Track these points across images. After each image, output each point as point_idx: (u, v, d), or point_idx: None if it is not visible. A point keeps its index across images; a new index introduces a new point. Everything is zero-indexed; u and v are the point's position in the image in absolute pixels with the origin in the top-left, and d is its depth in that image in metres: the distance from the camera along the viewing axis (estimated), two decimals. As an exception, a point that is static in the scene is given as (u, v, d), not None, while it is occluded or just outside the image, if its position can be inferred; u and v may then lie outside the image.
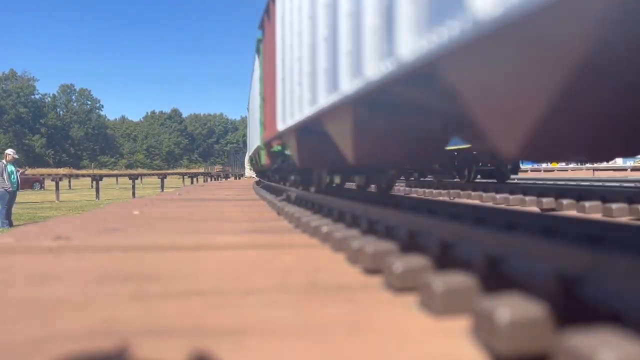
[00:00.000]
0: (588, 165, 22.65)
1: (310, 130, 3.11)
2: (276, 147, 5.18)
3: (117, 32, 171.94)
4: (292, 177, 5.32)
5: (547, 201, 4.67)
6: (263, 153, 6.28)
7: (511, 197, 5.23)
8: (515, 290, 1.01)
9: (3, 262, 1.78)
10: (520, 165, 9.50)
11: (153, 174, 34.76)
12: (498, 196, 5.53)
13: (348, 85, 1.83)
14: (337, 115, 2.12)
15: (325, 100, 2.22)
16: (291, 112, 3.25)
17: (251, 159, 12.44)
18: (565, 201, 4.47)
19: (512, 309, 0.82)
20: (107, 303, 1.21)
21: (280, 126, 3.73)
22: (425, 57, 1.13)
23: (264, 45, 5.42)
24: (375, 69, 1.52)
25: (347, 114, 1.97)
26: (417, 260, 1.30)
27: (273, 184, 7.21)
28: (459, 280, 1.08)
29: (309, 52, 2.62)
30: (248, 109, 14.28)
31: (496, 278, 1.13)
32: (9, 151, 11.45)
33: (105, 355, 0.88)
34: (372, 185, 5.33)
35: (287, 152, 4.60)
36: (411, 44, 1.22)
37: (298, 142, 3.36)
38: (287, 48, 3.35)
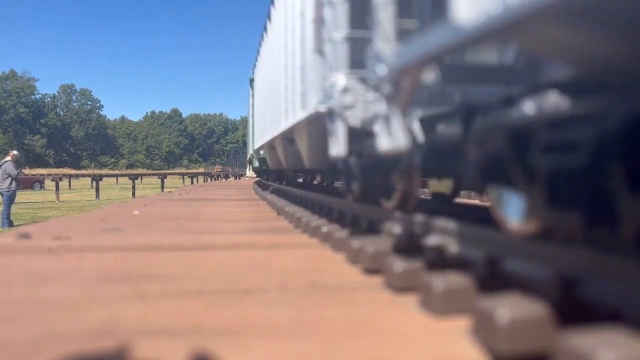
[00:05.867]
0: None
1: (273, 146, 5.55)
2: (262, 155, 7.72)
3: (118, 32, 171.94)
4: (273, 175, 8.20)
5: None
6: (254, 159, 9.58)
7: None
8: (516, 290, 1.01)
9: (3, 262, 1.78)
10: None
11: (153, 174, 34.70)
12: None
13: (270, 132, 5.37)
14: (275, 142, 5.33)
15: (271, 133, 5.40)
16: (262, 135, 6.59)
17: (250, 161, 14.10)
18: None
19: (511, 309, 0.82)
20: (107, 303, 1.21)
21: (257, 144, 7.20)
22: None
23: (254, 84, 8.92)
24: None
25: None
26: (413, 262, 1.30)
27: (264, 181, 10.20)
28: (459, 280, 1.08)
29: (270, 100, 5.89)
30: (247, 118, 15.08)
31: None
32: (14, 152, 11.39)
33: (105, 355, 0.88)
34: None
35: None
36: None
37: (269, 153, 6.10)
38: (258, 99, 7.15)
